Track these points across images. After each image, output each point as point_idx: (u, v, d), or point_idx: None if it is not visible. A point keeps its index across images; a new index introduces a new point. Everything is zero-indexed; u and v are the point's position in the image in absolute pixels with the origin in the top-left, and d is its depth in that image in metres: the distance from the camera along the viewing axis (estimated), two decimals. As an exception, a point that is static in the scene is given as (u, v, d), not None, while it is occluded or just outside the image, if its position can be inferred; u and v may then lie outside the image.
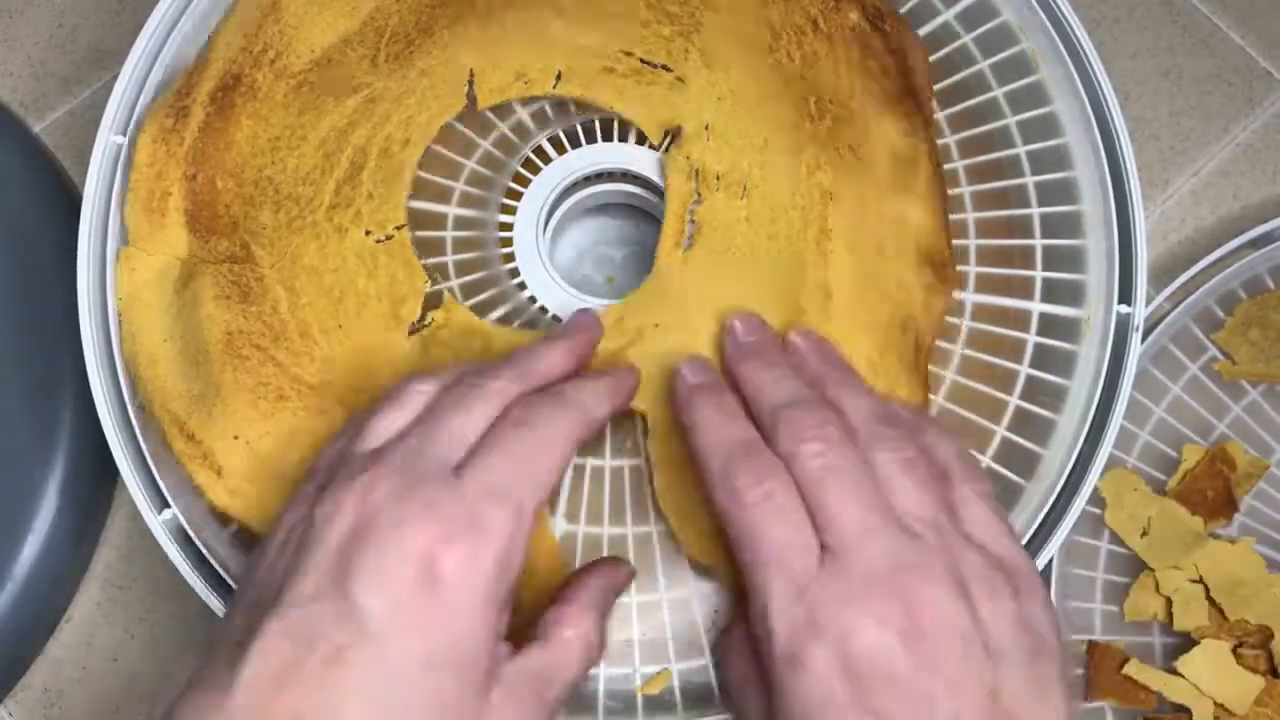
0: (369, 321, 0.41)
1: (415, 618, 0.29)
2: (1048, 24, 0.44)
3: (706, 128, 0.42)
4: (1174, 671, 0.44)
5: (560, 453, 0.33)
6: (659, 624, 0.40)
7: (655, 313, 0.40)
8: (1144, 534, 0.46)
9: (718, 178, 0.42)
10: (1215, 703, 0.44)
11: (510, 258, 0.44)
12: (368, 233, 0.41)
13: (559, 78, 0.43)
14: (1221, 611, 0.45)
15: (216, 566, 0.39)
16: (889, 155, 0.42)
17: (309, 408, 0.40)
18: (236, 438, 0.39)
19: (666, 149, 0.43)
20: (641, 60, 0.43)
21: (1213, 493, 0.46)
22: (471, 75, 0.43)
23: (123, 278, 0.42)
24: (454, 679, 0.29)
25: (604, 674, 0.40)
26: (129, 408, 0.40)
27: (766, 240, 0.41)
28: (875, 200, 0.42)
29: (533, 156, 0.45)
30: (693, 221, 0.41)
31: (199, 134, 0.42)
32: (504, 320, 0.43)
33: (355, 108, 0.43)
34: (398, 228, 0.41)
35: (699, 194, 0.42)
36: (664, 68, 0.43)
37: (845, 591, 0.30)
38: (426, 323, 0.41)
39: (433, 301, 0.41)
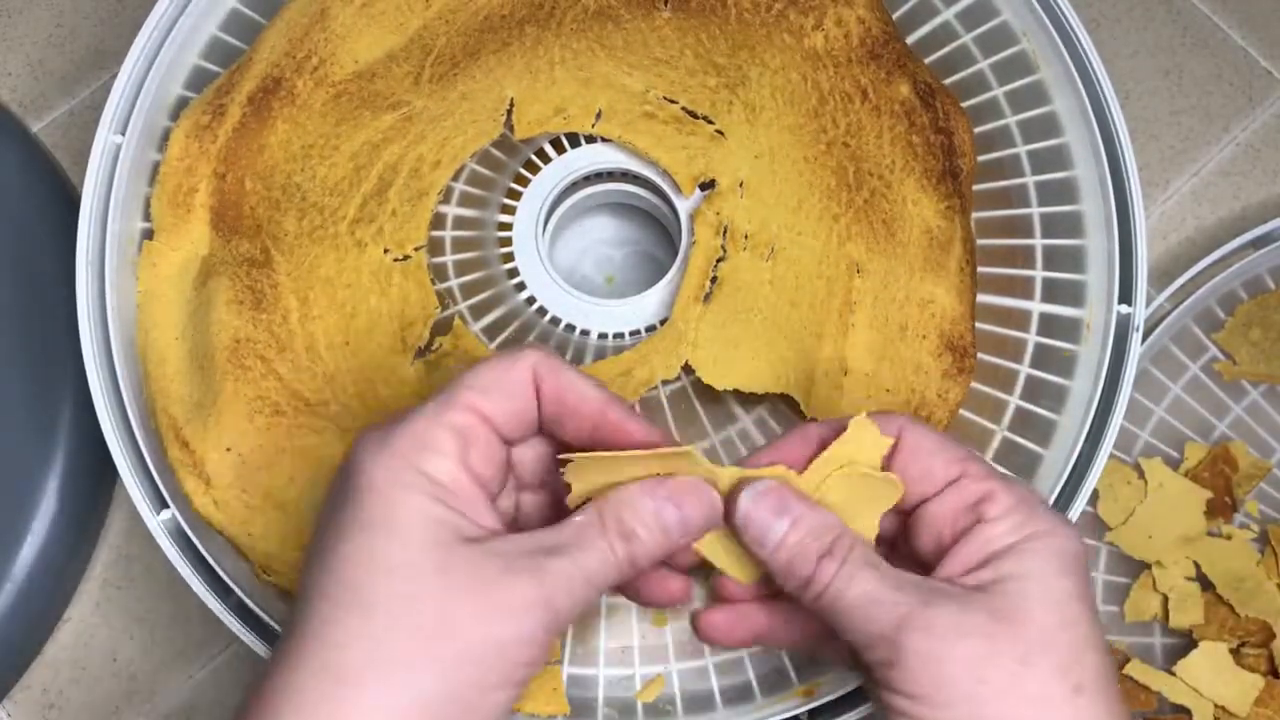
0: (377, 341, 0.41)
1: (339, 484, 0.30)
2: (1048, 23, 0.44)
3: (741, 184, 0.42)
4: (1175, 674, 0.44)
5: (525, 368, 0.31)
6: (660, 627, 0.40)
7: (665, 367, 0.40)
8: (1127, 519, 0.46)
9: (746, 236, 0.41)
10: (1215, 704, 0.44)
11: (509, 258, 0.44)
12: (386, 250, 0.41)
13: (598, 116, 0.43)
14: (1231, 608, 0.45)
15: (215, 566, 0.39)
16: (923, 234, 0.42)
17: (303, 426, 0.40)
18: (229, 449, 0.39)
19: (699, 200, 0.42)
20: (684, 109, 0.43)
21: (1213, 492, 0.46)
22: (511, 104, 0.43)
23: (144, 271, 0.42)
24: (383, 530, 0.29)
25: (603, 676, 0.40)
26: (129, 408, 0.40)
27: (788, 306, 0.41)
28: (904, 278, 0.41)
29: (533, 158, 0.45)
30: (714, 278, 0.41)
31: (233, 134, 0.43)
32: (503, 321, 0.43)
33: (391, 124, 0.43)
34: (416, 248, 0.41)
35: (724, 250, 0.41)
36: (705, 119, 0.43)
37: None
38: (434, 348, 0.41)
39: (440, 327, 0.41)
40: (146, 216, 0.43)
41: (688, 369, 0.40)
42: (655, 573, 0.34)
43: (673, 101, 0.43)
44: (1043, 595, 0.30)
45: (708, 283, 0.41)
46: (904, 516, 0.33)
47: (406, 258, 0.41)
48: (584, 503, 0.31)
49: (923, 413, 0.41)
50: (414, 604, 0.28)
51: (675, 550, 0.32)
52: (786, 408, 0.42)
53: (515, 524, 0.34)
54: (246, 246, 0.42)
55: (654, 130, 0.43)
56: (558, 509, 0.33)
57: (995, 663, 0.29)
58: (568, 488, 0.31)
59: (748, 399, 0.42)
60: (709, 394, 0.41)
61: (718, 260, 0.41)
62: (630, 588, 0.34)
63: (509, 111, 0.43)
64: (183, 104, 0.44)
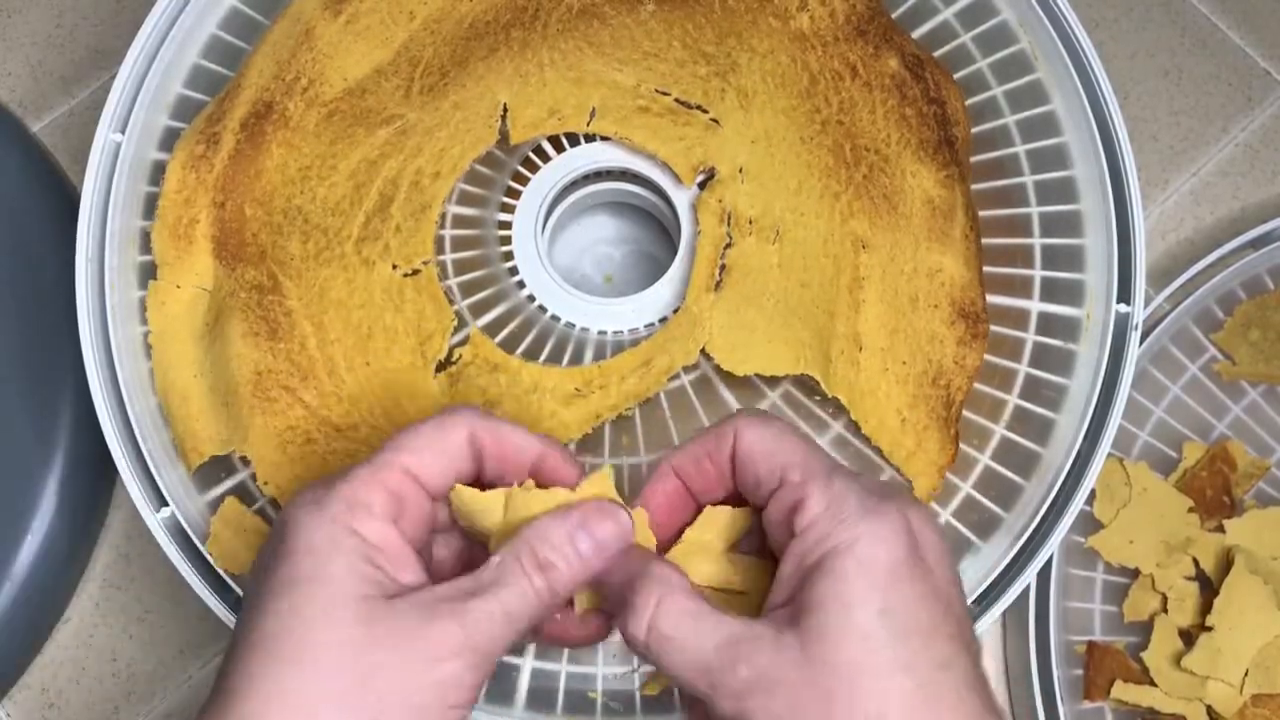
0: (396, 359, 0.40)
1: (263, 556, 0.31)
2: (1047, 23, 0.44)
3: (740, 170, 0.42)
4: (1181, 668, 0.44)
5: (462, 430, 0.32)
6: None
7: (684, 353, 0.40)
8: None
9: (750, 221, 0.41)
10: (1207, 707, 0.44)
11: (509, 256, 0.44)
12: (395, 267, 0.41)
13: (593, 115, 0.43)
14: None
15: (215, 565, 0.39)
16: (925, 205, 0.42)
17: (336, 452, 0.40)
18: (266, 484, 0.39)
19: (701, 187, 0.42)
20: (677, 100, 0.43)
21: (1211, 491, 0.46)
22: (505, 110, 0.43)
23: (153, 312, 0.42)
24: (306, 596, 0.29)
25: (602, 673, 0.40)
26: (129, 408, 0.40)
27: (799, 287, 0.41)
28: (910, 250, 0.42)
29: (533, 156, 0.45)
30: (723, 265, 0.41)
31: (229, 161, 0.42)
32: (504, 319, 0.43)
33: (387, 139, 0.43)
34: (425, 262, 0.41)
35: (730, 237, 0.41)
36: (699, 108, 0.43)
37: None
38: (454, 360, 0.41)
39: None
40: (146, 249, 0.43)
41: (706, 356, 0.40)
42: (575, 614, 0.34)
43: (665, 93, 0.43)
44: (840, 625, 0.27)
45: (717, 270, 0.41)
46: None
47: (416, 272, 0.41)
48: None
49: (941, 381, 0.41)
50: (337, 655, 0.28)
51: (593, 575, 0.31)
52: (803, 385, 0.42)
53: (436, 568, 0.34)
54: (252, 274, 0.41)
55: (649, 124, 0.43)
56: (474, 549, 0.34)
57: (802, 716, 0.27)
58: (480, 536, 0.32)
59: (769, 379, 0.42)
60: (732, 377, 0.41)
61: (725, 247, 0.41)
62: (559, 634, 0.34)
63: (503, 117, 0.43)
64: (183, 103, 0.44)
